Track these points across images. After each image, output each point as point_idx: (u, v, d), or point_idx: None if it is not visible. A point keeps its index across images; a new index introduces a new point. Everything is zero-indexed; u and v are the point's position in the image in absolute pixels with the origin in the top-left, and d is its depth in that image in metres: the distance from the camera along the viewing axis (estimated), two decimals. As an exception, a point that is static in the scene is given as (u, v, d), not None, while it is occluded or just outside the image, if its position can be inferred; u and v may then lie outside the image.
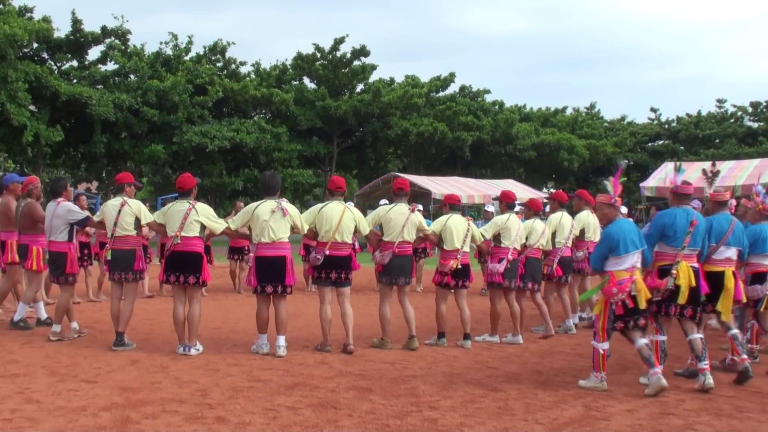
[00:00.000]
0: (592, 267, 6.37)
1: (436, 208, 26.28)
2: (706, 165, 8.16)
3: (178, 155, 31.47)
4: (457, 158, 38.73)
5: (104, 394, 5.65)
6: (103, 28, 30.08)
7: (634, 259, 6.09)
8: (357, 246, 7.84)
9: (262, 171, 32.47)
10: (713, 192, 7.04)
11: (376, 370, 6.79)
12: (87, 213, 8.47)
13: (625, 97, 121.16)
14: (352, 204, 8.22)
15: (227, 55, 34.82)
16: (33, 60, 27.70)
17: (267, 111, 35.86)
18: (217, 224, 7.49)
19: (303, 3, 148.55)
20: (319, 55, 35.64)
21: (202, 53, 33.80)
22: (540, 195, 24.55)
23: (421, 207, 8.17)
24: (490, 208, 14.25)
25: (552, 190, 42.34)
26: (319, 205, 7.70)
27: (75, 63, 30.58)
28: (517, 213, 8.75)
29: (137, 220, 7.65)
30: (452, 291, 8.14)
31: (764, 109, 43.97)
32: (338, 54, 35.45)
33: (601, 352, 6.11)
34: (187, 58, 32.68)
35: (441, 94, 39.16)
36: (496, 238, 8.31)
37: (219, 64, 34.73)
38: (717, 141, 43.26)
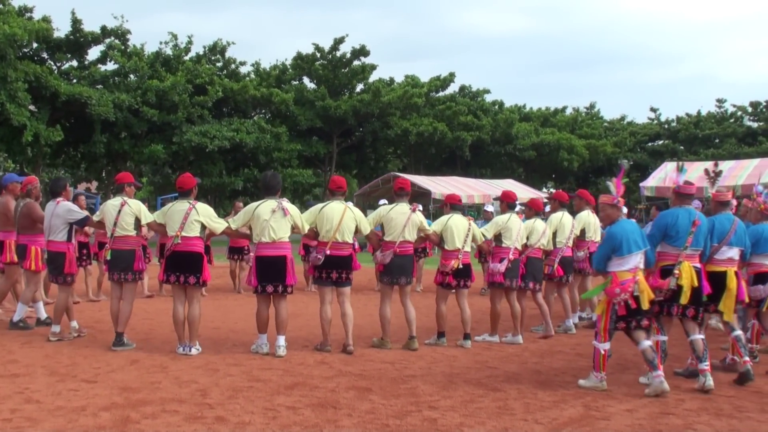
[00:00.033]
0: (595, 268, 6.35)
1: (435, 207, 26.30)
2: (708, 165, 8.14)
3: (177, 155, 31.47)
4: (456, 158, 38.73)
5: (104, 394, 5.64)
6: (103, 28, 30.10)
7: (637, 259, 6.08)
8: (357, 246, 7.83)
9: (261, 171, 32.46)
10: (715, 192, 7.02)
11: (376, 369, 6.79)
12: (86, 213, 8.47)
13: (624, 96, 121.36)
14: (351, 204, 8.22)
15: (227, 55, 34.88)
16: (33, 60, 27.71)
17: (267, 111, 35.87)
18: (218, 224, 7.49)
19: (303, 3, 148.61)
20: (318, 55, 35.65)
21: (201, 53, 33.82)
22: (540, 195, 24.54)
23: (421, 207, 8.16)
24: (490, 208, 14.24)
25: (552, 190, 42.41)
26: (320, 205, 7.70)
27: (75, 63, 30.61)
28: (517, 213, 8.75)
29: (137, 220, 7.64)
30: (453, 291, 8.14)
31: (764, 109, 43.99)
32: (338, 54, 35.46)
33: (602, 352, 6.10)
34: (186, 58, 32.70)
35: (441, 94, 39.18)
36: (497, 237, 8.31)
37: (219, 64, 34.75)
38: (717, 141, 43.28)
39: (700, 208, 8.03)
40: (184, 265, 7.26)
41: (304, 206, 10.89)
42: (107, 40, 30.33)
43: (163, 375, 6.36)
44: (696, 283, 6.23)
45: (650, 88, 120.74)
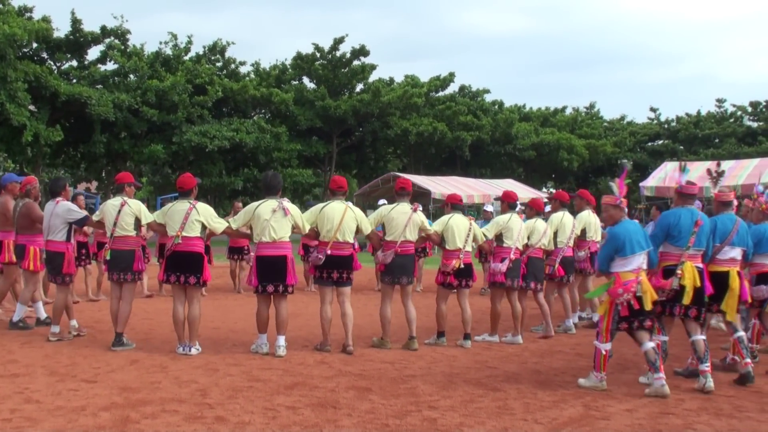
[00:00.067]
0: (599, 269, 6.33)
1: (435, 207, 26.29)
2: (711, 165, 8.14)
3: (177, 155, 31.48)
4: (456, 158, 38.74)
5: (104, 394, 5.64)
6: (103, 28, 30.11)
7: (640, 260, 6.07)
8: (356, 246, 7.83)
9: (261, 171, 32.48)
10: (718, 192, 7.02)
11: (376, 369, 6.79)
12: (85, 213, 8.47)
13: (624, 96, 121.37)
14: (351, 204, 8.22)
15: (227, 54, 34.91)
16: (32, 60, 27.72)
17: (266, 111, 35.88)
18: (218, 224, 7.49)
19: (302, 3, 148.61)
20: (318, 54, 35.65)
21: (201, 53, 33.83)
22: (539, 195, 24.53)
23: (421, 207, 8.16)
24: (489, 208, 14.25)
25: (552, 190, 42.41)
26: (321, 205, 7.70)
27: (74, 63, 30.63)
28: (517, 213, 8.75)
29: (137, 221, 7.64)
30: (454, 291, 8.14)
31: (764, 109, 44.00)
32: (338, 54, 35.46)
33: (603, 352, 6.10)
34: (186, 57, 32.71)
35: (440, 93, 39.19)
36: (498, 237, 8.31)
37: (218, 64, 34.76)
38: (717, 141, 43.28)
39: (700, 208, 8.02)
40: (184, 265, 7.25)
41: (303, 206, 10.89)
42: (107, 40, 30.35)
43: (163, 375, 6.36)
44: (698, 284, 6.22)
45: (650, 88, 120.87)
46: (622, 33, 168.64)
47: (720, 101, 46.56)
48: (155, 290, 12.42)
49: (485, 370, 6.89)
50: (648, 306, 6.00)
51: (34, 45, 27.78)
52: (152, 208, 25.56)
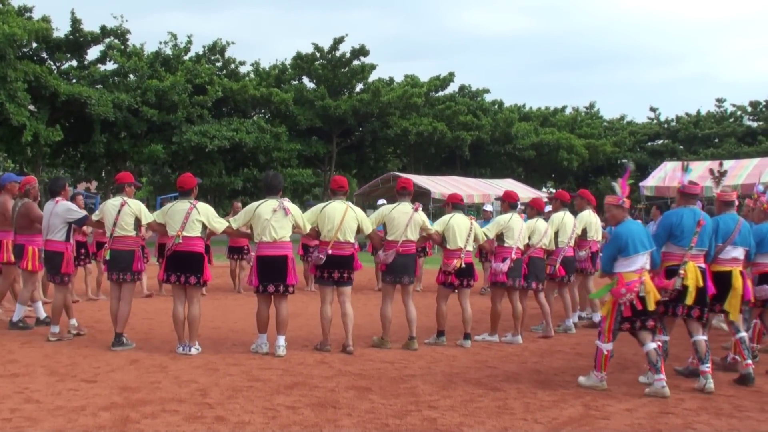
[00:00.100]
0: (602, 269, 6.31)
1: (435, 207, 26.28)
2: (713, 165, 8.13)
3: (177, 155, 31.48)
4: (456, 158, 38.74)
5: (104, 394, 5.64)
6: (103, 28, 30.11)
7: (643, 260, 6.06)
8: (356, 245, 7.83)
9: (261, 171, 32.48)
10: (720, 192, 7.01)
11: (376, 369, 6.79)
12: (85, 212, 8.47)
13: (624, 96, 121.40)
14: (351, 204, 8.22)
15: (226, 54, 34.90)
16: (32, 60, 27.72)
17: (266, 111, 35.87)
18: (219, 224, 7.49)
19: (302, 3, 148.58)
20: (318, 54, 35.64)
21: (201, 53, 33.83)
22: (539, 194, 24.53)
23: (422, 206, 8.16)
24: (489, 208, 14.26)
25: (551, 190, 42.42)
26: (321, 205, 7.70)
27: (74, 63, 30.63)
28: (518, 213, 8.75)
29: (137, 221, 7.64)
30: (455, 290, 8.14)
31: (764, 109, 44.00)
32: (337, 54, 35.45)
33: (605, 352, 6.09)
34: (186, 57, 32.70)
35: (440, 93, 39.18)
36: (499, 237, 8.30)
37: (218, 64, 34.76)
38: (716, 140, 43.28)
39: (699, 208, 8.02)
40: (185, 265, 7.25)
41: (303, 206, 10.88)
42: (107, 40, 30.34)
43: (163, 375, 6.36)
44: (701, 284, 6.22)
45: (650, 87, 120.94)
46: (621, 33, 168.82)
47: (720, 101, 46.61)
48: (155, 290, 12.42)
49: (485, 370, 6.89)
50: (651, 306, 6.00)
51: (34, 45, 27.77)
52: (152, 208, 25.56)
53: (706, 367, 6.12)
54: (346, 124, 35.44)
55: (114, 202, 7.66)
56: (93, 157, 30.82)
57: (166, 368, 6.61)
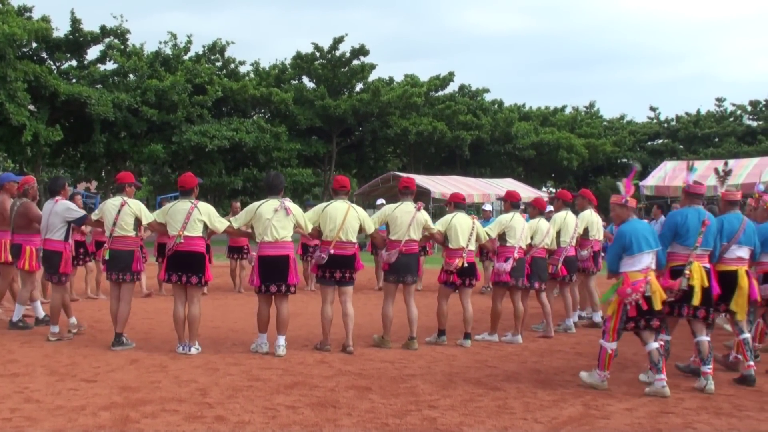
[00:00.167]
0: (609, 269, 6.28)
1: (435, 207, 26.27)
2: (719, 164, 8.13)
3: (177, 155, 31.48)
4: (456, 157, 38.73)
5: (104, 394, 5.64)
6: (102, 28, 30.12)
7: (649, 259, 6.04)
8: (356, 245, 7.83)
9: (261, 170, 32.48)
10: (725, 191, 7.00)
11: (376, 369, 6.79)
12: (84, 212, 8.46)
13: (624, 96, 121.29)
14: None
15: (226, 54, 34.91)
16: (32, 60, 27.73)
17: (266, 110, 35.88)
18: (220, 223, 7.49)
19: (302, 2, 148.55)
20: (318, 54, 35.63)
21: (201, 53, 33.84)
22: (539, 194, 24.53)
23: (424, 205, 8.16)
24: (488, 207, 14.26)
25: (551, 189, 42.42)
26: (323, 204, 7.70)
27: (74, 62, 30.64)
28: (519, 212, 8.75)
29: (137, 221, 7.64)
30: (457, 290, 8.14)
31: (763, 108, 43.99)
32: (337, 53, 35.44)
33: (609, 351, 6.08)
34: (186, 57, 32.72)
35: (440, 93, 39.16)
36: (501, 236, 8.30)
37: (218, 64, 34.76)
38: (716, 140, 43.27)
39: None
40: (186, 265, 7.24)
41: (302, 205, 10.88)
42: (106, 40, 30.35)
43: (163, 374, 6.36)
44: (706, 284, 6.21)
45: (650, 87, 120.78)
46: (621, 32, 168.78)
47: (720, 100, 46.58)
48: (154, 289, 12.41)
49: (485, 370, 6.89)
50: (657, 306, 5.98)
51: (34, 45, 27.79)
52: (152, 207, 25.57)
53: (708, 369, 6.11)
54: (346, 124, 35.44)
55: (114, 201, 7.66)
56: (93, 156, 30.82)
57: (166, 368, 6.61)
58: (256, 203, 7.46)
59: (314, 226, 7.59)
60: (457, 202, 8.36)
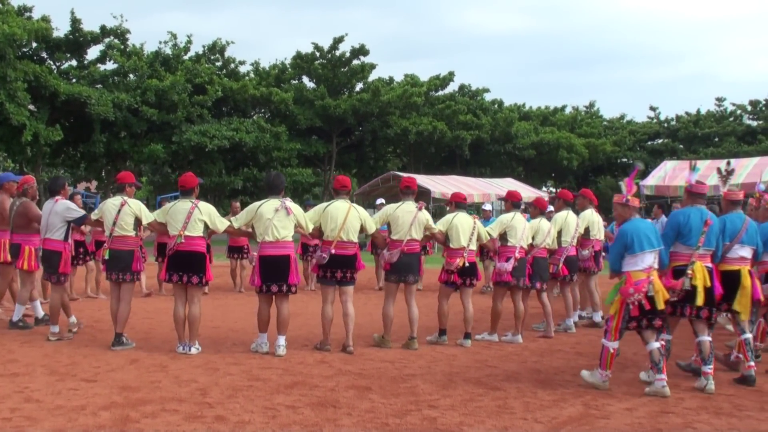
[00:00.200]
0: (611, 268, 6.28)
1: (435, 206, 26.25)
2: (721, 164, 8.14)
3: (177, 154, 31.48)
4: (456, 157, 38.72)
5: (104, 393, 5.64)
6: (102, 28, 30.11)
7: (651, 259, 6.03)
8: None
9: (261, 170, 32.48)
10: (727, 191, 7.00)
11: (376, 368, 6.79)
12: (84, 212, 8.46)
13: (624, 95, 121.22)
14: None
15: (226, 54, 34.89)
16: (32, 59, 27.73)
17: (266, 110, 35.86)
18: (221, 223, 7.49)
19: (302, 2, 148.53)
20: (318, 54, 35.61)
21: (201, 52, 33.82)
22: (540, 194, 24.53)
23: (425, 205, 8.15)
24: (488, 207, 14.25)
25: (552, 189, 42.39)
26: (324, 204, 7.71)
27: (74, 62, 30.63)
28: (520, 212, 8.75)
29: (137, 220, 7.64)
30: (458, 289, 8.14)
31: (763, 108, 43.98)
32: (337, 53, 35.42)
33: (611, 351, 6.08)
34: (186, 57, 32.71)
35: (440, 93, 39.14)
36: (502, 236, 8.30)
37: (218, 64, 34.75)
38: (716, 139, 43.25)
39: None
40: (187, 265, 7.24)
41: (302, 205, 10.87)
42: (106, 40, 30.35)
43: (163, 374, 6.36)
44: (709, 284, 6.20)
45: (650, 86, 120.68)
46: (621, 32, 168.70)
47: (720, 100, 46.55)
48: (154, 289, 12.41)
49: (485, 369, 6.90)
50: (660, 306, 5.98)
51: (34, 45, 27.78)
52: (152, 207, 25.55)
53: (708, 369, 6.11)
54: (346, 124, 35.43)
55: (114, 201, 7.66)
56: (93, 156, 30.82)
57: (166, 368, 6.61)
58: (257, 203, 7.46)
59: (315, 226, 7.59)
60: (458, 202, 8.36)
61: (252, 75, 36.59)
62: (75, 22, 29.19)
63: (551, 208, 10.39)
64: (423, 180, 27.31)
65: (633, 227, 6.08)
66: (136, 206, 7.63)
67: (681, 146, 43.63)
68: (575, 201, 9.80)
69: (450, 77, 38.21)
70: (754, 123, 44.02)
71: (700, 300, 6.15)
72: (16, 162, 30.55)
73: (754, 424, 5.21)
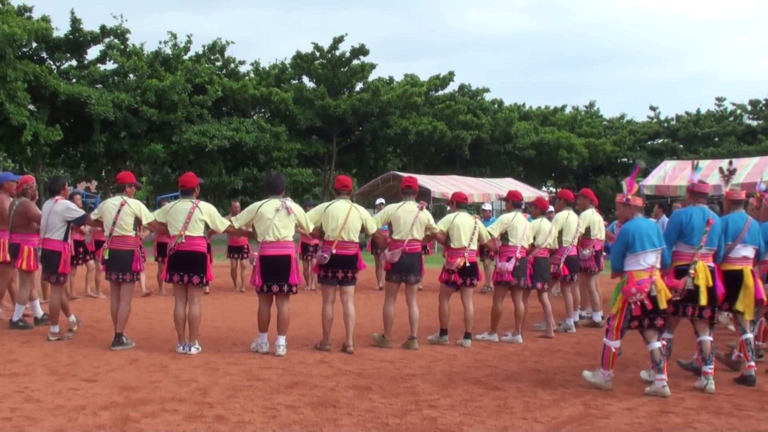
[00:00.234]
0: (613, 267, 6.27)
1: (435, 206, 26.25)
2: (723, 163, 8.14)
3: (177, 154, 31.47)
4: (456, 157, 38.71)
5: (104, 393, 5.64)
6: (102, 28, 30.12)
7: (653, 258, 6.02)
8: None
9: (261, 170, 32.47)
10: (729, 190, 7.01)
11: (376, 368, 6.79)
12: (83, 211, 8.46)
13: (624, 95, 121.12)
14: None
15: (226, 54, 34.88)
16: (32, 59, 27.73)
17: (266, 110, 35.85)
18: (221, 223, 7.49)
19: (302, 2, 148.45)
20: (318, 54, 35.60)
21: (201, 52, 33.82)
22: (540, 194, 24.53)
23: (426, 205, 8.15)
24: (488, 207, 14.26)
25: (552, 189, 42.37)
26: (325, 204, 7.71)
27: (74, 62, 30.63)
28: (521, 212, 8.75)
29: (137, 220, 7.64)
30: (458, 289, 8.14)
31: (763, 107, 43.97)
32: (337, 53, 35.41)
33: (613, 350, 6.08)
34: (186, 57, 32.71)
35: (440, 92, 39.13)
36: (503, 236, 8.30)
37: (218, 64, 34.75)
38: (716, 139, 43.24)
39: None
40: (187, 265, 7.24)
41: (302, 205, 10.87)
42: (106, 40, 30.35)
43: (163, 374, 6.36)
44: (711, 283, 6.20)
45: (650, 86, 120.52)
46: (621, 31, 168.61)
47: (720, 100, 46.52)
48: (154, 289, 12.41)
49: (485, 369, 6.90)
50: (663, 305, 5.97)
51: (34, 44, 27.79)
52: (152, 207, 25.52)
53: (709, 368, 6.11)
54: (346, 124, 35.42)
55: (114, 201, 7.65)
56: (93, 156, 30.82)
57: (166, 367, 6.61)
58: (258, 203, 7.46)
59: (316, 226, 7.59)
60: (459, 202, 8.36)
61: (252, 75, 36.58)
62: (75, 22, 29.19)
63: (552, 208, 10.38)
64: (423, 180, 27.30)
65: (634, 226, 6.08)
66: (136, 206, 7.62)
67: (681, 146, 43.61)
68: (576, 201, 9.80)
69: (450, 77, 38.21)
70: (754, 123, 44.00)
71: (703, 300, 6.14)
72: (16, 162, 30.55)
73: (754, 424, 5.21)
